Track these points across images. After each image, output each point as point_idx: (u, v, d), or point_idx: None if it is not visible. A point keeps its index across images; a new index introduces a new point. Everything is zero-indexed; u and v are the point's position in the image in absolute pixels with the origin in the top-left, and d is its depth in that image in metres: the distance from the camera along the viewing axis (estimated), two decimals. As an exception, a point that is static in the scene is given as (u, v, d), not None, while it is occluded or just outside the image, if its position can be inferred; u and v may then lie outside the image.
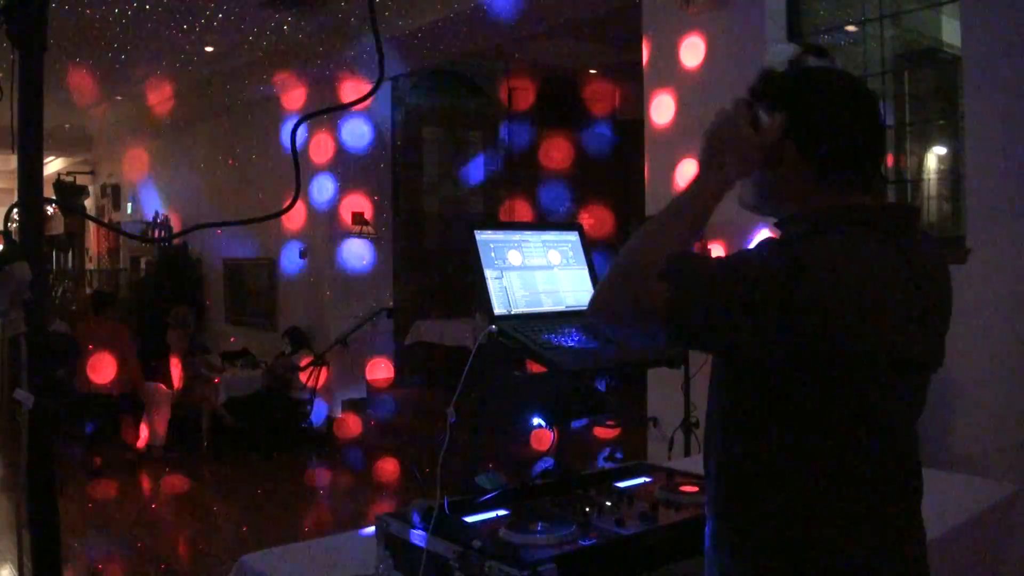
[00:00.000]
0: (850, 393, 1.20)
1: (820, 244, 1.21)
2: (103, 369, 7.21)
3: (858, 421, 1.22)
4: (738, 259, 1.23)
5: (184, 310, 8.25)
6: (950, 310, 1.37)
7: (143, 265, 11.25)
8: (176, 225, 10.56)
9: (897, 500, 1.28)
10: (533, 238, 1.86)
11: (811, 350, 1.16)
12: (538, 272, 1.83)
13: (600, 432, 5.52)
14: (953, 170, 4.42)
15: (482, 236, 1.76)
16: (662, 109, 4.95)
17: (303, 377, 8.05)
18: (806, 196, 1.31)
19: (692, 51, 4.80)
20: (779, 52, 1.38)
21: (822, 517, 1.22)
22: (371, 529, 1.73)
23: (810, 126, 1.30)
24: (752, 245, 1.27)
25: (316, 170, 8.30)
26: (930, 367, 1.32)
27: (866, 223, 1.26)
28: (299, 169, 1.79)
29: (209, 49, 7.81)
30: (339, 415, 8.49)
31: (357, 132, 8.38)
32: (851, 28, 4.58)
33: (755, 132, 1.32)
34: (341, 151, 8.40)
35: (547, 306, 1.80)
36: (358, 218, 8.41)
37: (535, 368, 1.69)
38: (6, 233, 1.47)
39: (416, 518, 1.59)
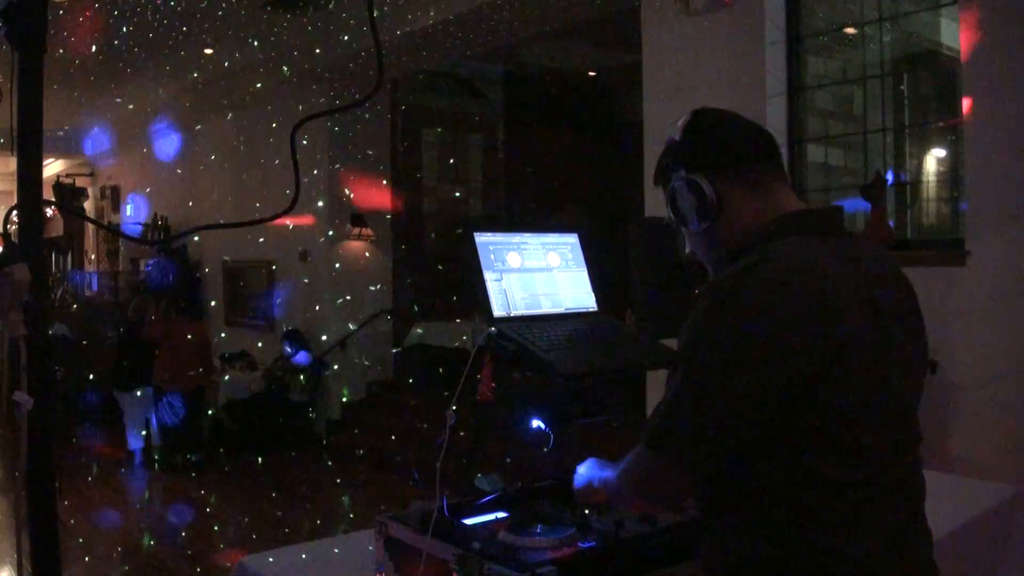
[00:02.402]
0: (826, 396, 1.20)
1: (755, 276, 1.22)
2: (182, 365, 7.35)
3: (837, 424, 1.22)
4: (688, 370, 1.25)
5: (143, 299, 8.23)
6: (911, 296, 1.40)
7: (142, 267, 11.25)
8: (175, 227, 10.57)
9: (893, 500, 1.27)
10: (532, 240, 1.86)
11: (795, 377, 1.19)
12: (537, 274, 1.83)
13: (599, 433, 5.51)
14: (952, 172, 4.42)
15: (481, 238, 1.76)
16: (661, 110, 4.95)
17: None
18: (752, 220, 1.35)
19: (691, 53, 4.80)
20: (672, 125, 1.44)
21: (817, 521, 1.22)
22: (370, 531, 1.73)
23: (717, 149, 1.38)
24: (688, 330, 1.27)
25: (316, 172, 8.30)
26: (899, 358, 1.30)
27: (796, 228, 1.31)
28: (298, 171, 1.79)
29: (208, 51, 7.81)
30: (338, 417, 8.49)
31: (356, 134, 8.38)
32: (850, 30, 4.58)
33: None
34: (341, 153, 8.41)
35: (546, 308, 1.80)
36: (357, 220, 8.42)
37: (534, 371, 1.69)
38: (6, 235, 1.47)
39: (416, 520, 1.59)
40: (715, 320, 1.23)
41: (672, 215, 1.42)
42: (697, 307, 1.26)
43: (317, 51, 7.34)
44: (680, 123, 1.40)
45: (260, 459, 7.56)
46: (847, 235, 1.38)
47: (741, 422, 1.21)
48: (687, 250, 1.48)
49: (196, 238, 9.79)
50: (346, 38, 6.97)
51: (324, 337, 8.47)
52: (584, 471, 1.63)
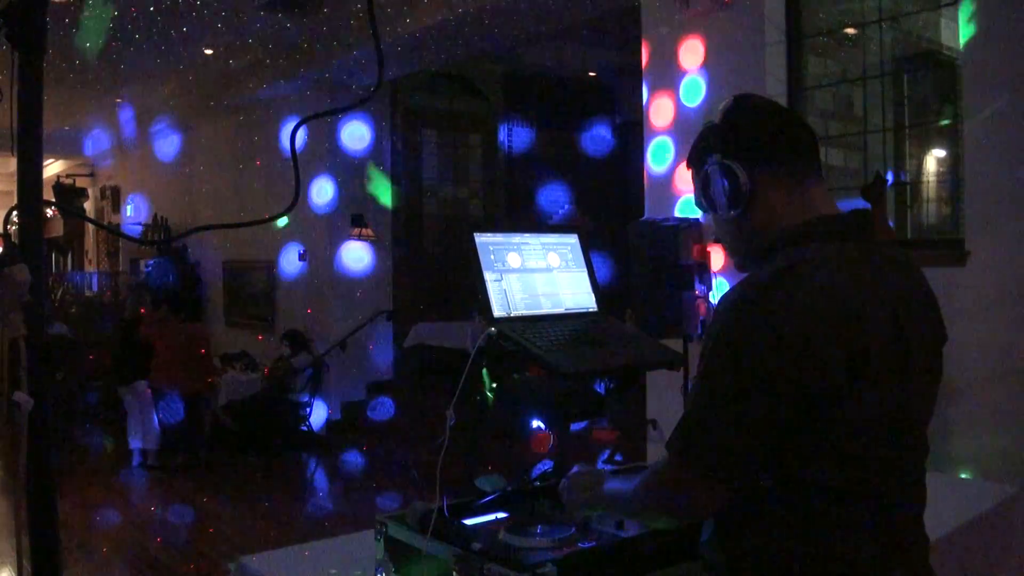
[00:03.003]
0: (843, 408, 1.20)
1: (789, 281, 1.21)
2: (178, 368, 7.38)
3: (850, 434, 1.21)
4: (715, 374, 1.23)
5: (141, 293, 8.22)
6: (933, 307, 1.39)
7: (142, 267, 11.25)
8: (175, 227, 10.57)
9: (895, 509, 1.27)
10: (532, 241, 1.86)
11: (812, 383, 1.18)
12: (537, 275, 1.83)
13: (599, 435, 5.52)
14: (952, 172, 4.42)
15: (481, 239, 1.76)
16: (661, 111, 4.95)
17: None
18: (784, 217, 1.33)
19: (691, 53, 4.80)
20: (716, 109, 1.42)
21: (819, 526, 1.22)
22: (370, 531, 1.73)
23: (756, 138, 1.34)
24: (715, 333, 1.25)
25: (316, 172, 8.30)
26: (916, 373, 1.30)
27: (830, 234, 1.29)
28: (298, 172, 1.79)
29: (208, 52, 7.81)
30: (338, 417, 8.48)
31: (356, 135, 8.38)
32: (850, 30, 4.58)
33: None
34: (341, 154, 8.41)
35: (546, 308, 1.80)
36: (357, 220, 8.42)
37: (534, 370, 1.69)
38: (6, 235, 1.47)
39: (415, 520, 1.59)
40: (742, 326, 1.21)
41: (701, 199, 1.40)
42: (720, 313, 1.24)
43: (317, 51, 7.33)
44: (721, 107, 1.38)
45: (260, 459, 7.56)
46: (875, 241, 1.35)
47: (764, 427, 1.19)
48: (714, 237, 1.47)
49: (215, 240, 9.78)
50: (345, 38, 6.97)
51: (324, 337, 8.47)
52: (581, 477, 1.55)
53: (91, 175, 13.60)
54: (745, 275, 1.31)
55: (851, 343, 1.18)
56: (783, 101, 4.49)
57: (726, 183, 1.33)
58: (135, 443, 7.54)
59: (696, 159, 1.41)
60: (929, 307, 1.38)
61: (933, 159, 4.69)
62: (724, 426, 1.20)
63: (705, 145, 1.39)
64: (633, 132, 5.59)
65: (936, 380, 1.39)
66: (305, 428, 8.22)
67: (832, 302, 1.19)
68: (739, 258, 1.42)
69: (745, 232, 1.37)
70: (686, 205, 4.62)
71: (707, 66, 4.71)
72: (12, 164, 1.45)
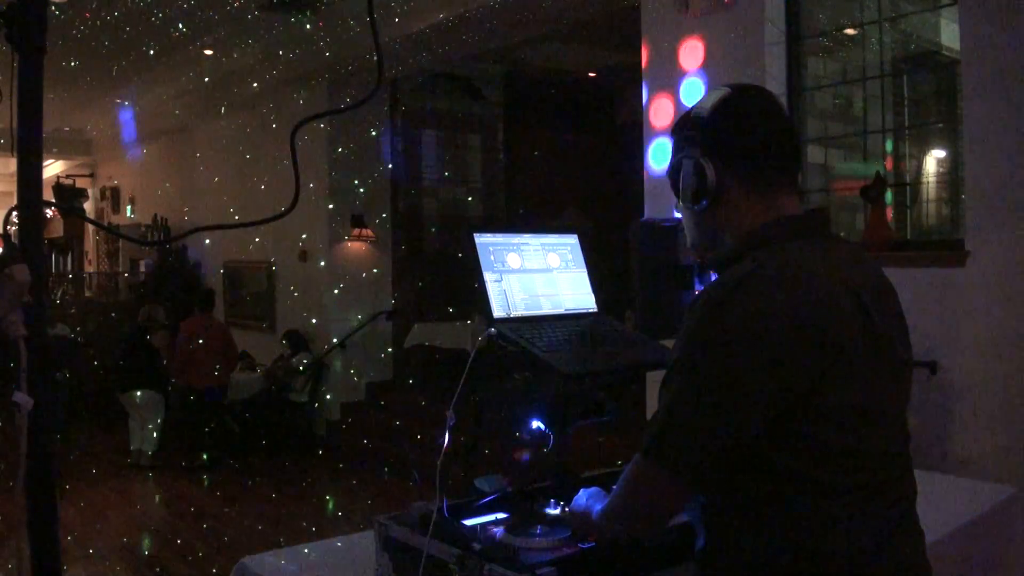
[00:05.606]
0: (822, 402, 1.21)
1: (754, 282, 1.22)
2: (206, 364, 7.49)
3: (832, 428, 1.22)
4: (684, 375, 1.24)
5: (155, 308, 8.21)
6: (894, 297, 1.40)
7: (142, 268, 11.24)
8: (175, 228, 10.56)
9: (885, 501, 1.28)
10: (532, 241, 1.86)
11: (790, 382, 1.19)
12: (537, 275, 1.83)
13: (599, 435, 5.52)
14: (952, 173, 4.42)
15: (481, 239, 1.76)
16: (661, 112, 4.95)
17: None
18: (748, 217, 1.34)
19: (691, 54, 4.80)
20: (707, 97, 1.41)
21: (809, 523, 1.23)
22: (370, 532, 1.73)
23: (737, 142, 1.35)
24: (685, 336, 1.26)
25: (316, 173, 8.30)
26: (888, 360, 1.31)
27: (791, 233, 1.31)
28: (298, 172, 1.79)
29: (208, 52, 7.81)
30: (338, 417, 8.48)
31: (356, 134, 8.38)
32: (850, 31, 4.58)
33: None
34: (341, 153, 8.41)
35: (546, 309, 1.80)
36: (357, 220, 8.42)
37: (534, 371, 1.69)
38: (5, 236, 1.47)
39: (415, 521, 1.59)
40: (713, 328, 1.22)
41: (670, 184, 1.42)
42: (692, 316, 1.25)
43: (317, 52, 7.33)
44: (714, 100, 1.37)
45: (260, 459, 7.56)
46: (833, 238, 1.38)
47: (740, 428, 1.21)
48: (674, 213, 1.48)
49: (207, 241, 9.78)
50: (346, 38, 6.97)
51: (324, 337, 8.47)
52: (583, 499, 1.58)
53: (91, 175, 13.59)
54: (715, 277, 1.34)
55: (819, 341, 1.20)
56: (783, 101, 4.49)
57: (695, 178, 1.35)
58: (137, 444, 7.55)
59: (677, 138, 1.42)
60: (890, 297, 1.39)
61: (933, 159, 4.69)
62: (695, 428, 1.22)
63: (688, 133, 1.39)
64: (633, 132, 5.57)
65: (910, 367, 1.41)
66: (305, 428, 8.23)
67: (799, 299, 1.21)
68: (697, 248, 1.44)
69: (705, 226, 1.39)
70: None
71: (707, 67, 4.70)
72: (12, 164, 1.44)
